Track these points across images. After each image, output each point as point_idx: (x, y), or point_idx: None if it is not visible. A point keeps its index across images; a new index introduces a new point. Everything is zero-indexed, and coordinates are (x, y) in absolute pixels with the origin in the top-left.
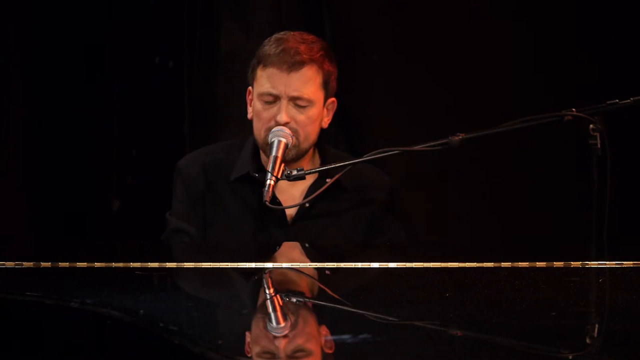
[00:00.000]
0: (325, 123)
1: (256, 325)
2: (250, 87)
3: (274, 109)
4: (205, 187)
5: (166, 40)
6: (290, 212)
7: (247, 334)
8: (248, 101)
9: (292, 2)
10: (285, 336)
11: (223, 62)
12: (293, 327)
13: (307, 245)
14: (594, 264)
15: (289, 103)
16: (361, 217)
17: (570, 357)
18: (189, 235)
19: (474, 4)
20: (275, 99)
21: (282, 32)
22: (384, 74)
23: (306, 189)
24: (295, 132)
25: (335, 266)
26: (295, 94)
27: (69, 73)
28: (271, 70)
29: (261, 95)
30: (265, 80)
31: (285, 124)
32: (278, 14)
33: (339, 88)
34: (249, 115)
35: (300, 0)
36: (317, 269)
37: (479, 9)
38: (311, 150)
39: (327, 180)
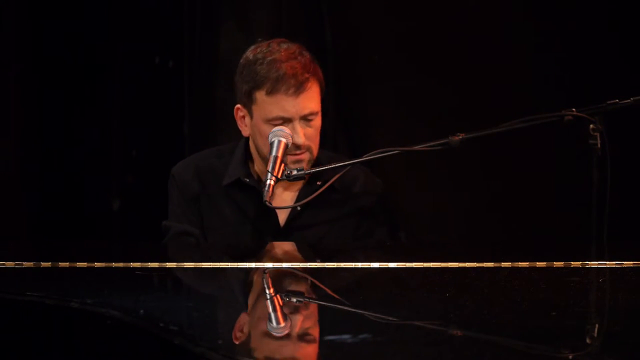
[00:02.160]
0: None
1: (255, 324)
2: (239, 105)
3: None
4: (199, 190)
5: (166, 40)
6: (282, 214)
7: (243, 327)
8: (238, 119)
9: (292, 2)
10: (286, 335)
11: (223, 62)
12: (293, 327)
13: (306, 245)
14: (594, 264)
15: (299, 122)
16: (350, 218)
17: (570, 357)
18: (194, 237)
19: (474, 4)
20: (286, 121)
21: (262, 46)
22: (384, 74)
23: (297, 193)
24: (308, 149)
25: (335, 266)
26: (306, 112)
27: (69, 73)
28: (279, 97)
29: (270, 120)
30: (273, 107)
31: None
32: (278, 14)
33: (340, 88)
34: (245, 133)
35: (300, 0)
36: (316, 268)
37: (479, 9)
38: None
39: (318, 182)
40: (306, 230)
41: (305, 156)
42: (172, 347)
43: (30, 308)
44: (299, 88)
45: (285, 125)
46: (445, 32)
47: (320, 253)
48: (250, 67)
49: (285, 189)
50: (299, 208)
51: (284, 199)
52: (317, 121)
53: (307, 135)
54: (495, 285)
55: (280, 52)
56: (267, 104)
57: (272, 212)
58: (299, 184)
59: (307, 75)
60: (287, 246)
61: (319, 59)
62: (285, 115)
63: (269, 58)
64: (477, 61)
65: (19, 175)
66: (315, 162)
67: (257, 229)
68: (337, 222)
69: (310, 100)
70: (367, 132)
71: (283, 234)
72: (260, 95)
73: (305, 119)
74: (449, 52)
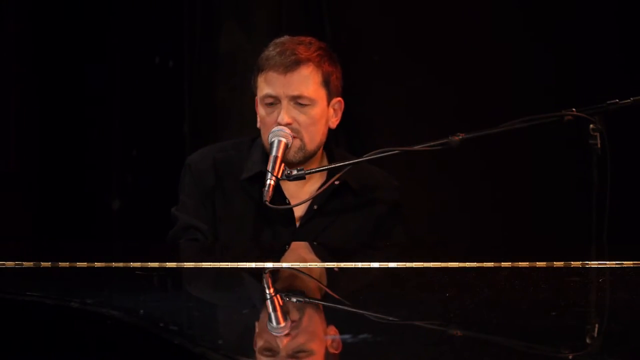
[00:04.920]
0: (333, 123)
1: (258, 323)
2: (256, 97)
3: (276, 112)
4: (215, 183)
5: (166, 40)
6: (299, 213)
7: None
8: (257, 111)
9: (292, 2)
10: (286, 335)
11: (223, 62)
12: (294, 326)
13: (309, 244)
14: (594, 264)
15: (289, 103)
16: (368, 219)
17: (570, 357)
18: (201, 232)
19: (474, 4)
20: (276, 101)
21: (281, 37)
22: (384, 74)
23: (314, 191)
24: (298, 134)
25: (335, 266)
26: (294, 93)
27: (69, 73)
28: (269, 74)
29: (262, 99)
30: (264, 84)
31: (287, 125)
32: (278, 13)
33: None
34: (259, 124)
35: (300, 0)
36: (317, 269)
37: (479, 9)
38: (319, 153)
39: (337, 182)
40: (321, 228)
41: (296, 143)
42: (172, 347)
43: (30, 308)
44: (288, 66)
45: (276, 108)
46: (446, 32)
47: (323, 253)
48: (261, 54)
49: (303, 185)
50: (315, 206)
51: (300, 197)
52: (314, 111)
53: (299, 121)
54: (495, 285)
55: (291, 39)
56: (260, 82)
57: (288, 209)
58: (317, 183)
59: (301, 56)
60: (290, 246)
61: None
62: (272, 92)
63: (277, 42)
64: (478, 61)
65: (19, 175)
66: (331, 162)
67: (272, 224)
68: (354, 222)
69: (301, 82)
70: (367, 132)
71: (297, 230)
72: (259, 77)
73: (296, 102)
74: (450, 52)
